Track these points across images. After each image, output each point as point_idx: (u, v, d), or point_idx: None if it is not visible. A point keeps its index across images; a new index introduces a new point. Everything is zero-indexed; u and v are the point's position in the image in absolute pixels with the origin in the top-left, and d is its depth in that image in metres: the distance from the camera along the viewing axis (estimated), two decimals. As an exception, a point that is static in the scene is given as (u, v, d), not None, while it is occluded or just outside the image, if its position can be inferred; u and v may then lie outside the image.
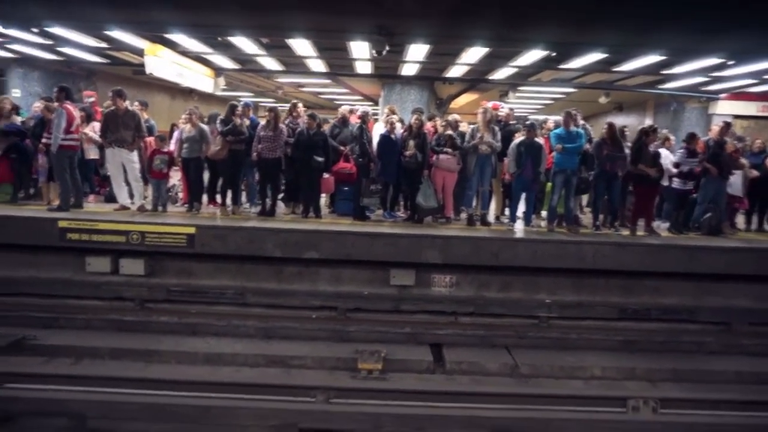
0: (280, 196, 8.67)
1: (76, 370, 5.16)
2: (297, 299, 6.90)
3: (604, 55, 10.27)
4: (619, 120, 11.58)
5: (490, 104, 8.72)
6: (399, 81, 14.28)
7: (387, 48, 7.09)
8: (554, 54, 10.20)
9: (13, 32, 10.50)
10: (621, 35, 8.09)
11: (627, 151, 7.79)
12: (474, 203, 8.14)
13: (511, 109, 9.41)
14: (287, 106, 8.81)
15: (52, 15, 8.28)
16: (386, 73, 13.77)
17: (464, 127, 8.46)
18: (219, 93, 15.36)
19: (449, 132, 7.86)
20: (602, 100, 16.78)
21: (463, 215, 8.27)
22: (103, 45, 11.51)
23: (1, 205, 7.73)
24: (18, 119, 8.20)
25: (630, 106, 19.35)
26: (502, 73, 13.10)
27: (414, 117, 7.88)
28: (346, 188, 8.27)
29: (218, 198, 8.18)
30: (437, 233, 7.21)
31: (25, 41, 11.76)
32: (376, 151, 7.90)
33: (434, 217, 8.06)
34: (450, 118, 8.64)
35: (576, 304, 6.95)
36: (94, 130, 8.19)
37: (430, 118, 9.24)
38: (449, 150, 7.73)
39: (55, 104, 7.45)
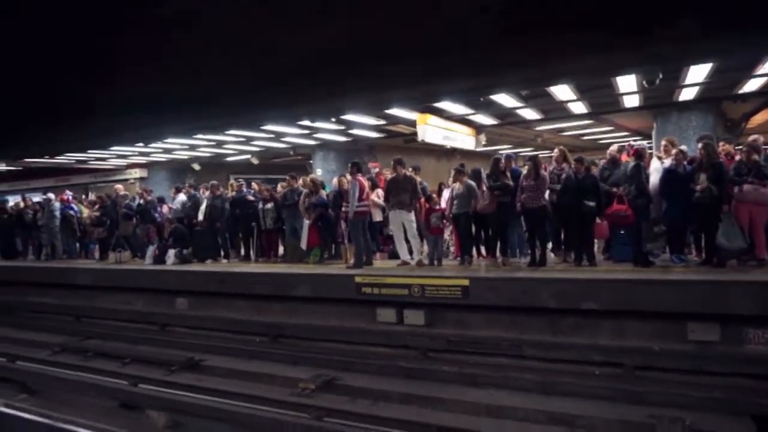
0: (549, 245, 8.44)
1: (374, 411, 5.73)
2: (575, 353, 6.46)
3: None
4: None
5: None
6: (675, 108, 12.76)
7: (660, 76, 6.44)
8: None
9: (319, 124, 12.98)
10: None
11: None
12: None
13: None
14: (549, 153, 8.69)
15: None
16: (659, 102, 12.47)
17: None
18: (480, 149, 16.09)
19: (755, 157, 6.61)
20: None
21: (784, 255, 6.73)
22: (382, 122, 13.32)
23: (313, 266, 9.36)
24: (324, 193, 9.92)
25: None
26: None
27: (701, 145, 6.89)
28: (623, 232, 7.60)
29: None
30: (749, 278, 5.99)
31: (326, 129, 14.42)
32: (659, 189, 7.10)
33: (740, 260, 6.75)
34: (750, 140, 7.29)
35: None
36: (378, 195, 9.36)
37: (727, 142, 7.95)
38: (754, 180, 6.48)
39: (349, 177, 8.84)
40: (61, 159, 17.75)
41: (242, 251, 11.04)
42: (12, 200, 15.50)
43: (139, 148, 16.60)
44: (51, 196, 13.12)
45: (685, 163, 7.14)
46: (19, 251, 14.19)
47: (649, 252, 7.17)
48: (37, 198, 14.22)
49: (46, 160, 17.07)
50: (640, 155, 7.36)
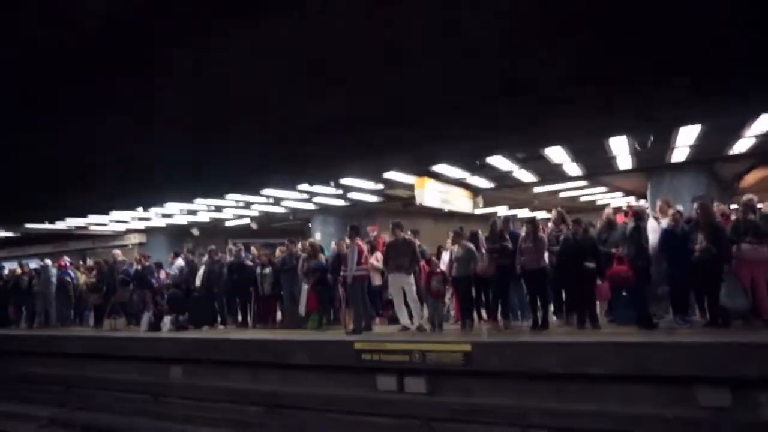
0: (551, 307, 8.32)
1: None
2: (583, 420, 6.22)
3: None
4: None
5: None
6: (668, 169, 12.99)
7: (651, 139, 6.60)
8: None
9: (318, 189, 13.16)
10: None
11: None
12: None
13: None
14: (547, 214, 8.77)
15: None
16: (652, 165, 12.70)
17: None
18: (477, 211, 16.21)
19: (751, 216, 6.65)
20: None
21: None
22: (380, 186, 13.51)
23: (312, 332, 9.17)
24: (322, 257, 9.87)
25: None
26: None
27: (697, 205, 6.95)
28: (624, 293, 7.52)
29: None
30: (756, 339, 5.86)
31: (325, 194, 14.59)
32: (658, 249, 7.09)
33: (746, 320, 6.64)
34: (745, 199, 7.36)
35: None
36: (377, 259, 9.30)
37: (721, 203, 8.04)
38: (752, 239, 6.49)
39: (348, 241, 8.84)
40: (60, 225, 17.81)
41: (239, 317, 10.85)
42: (8, 267, 15.41)
43: (139, 213, 16.70)
44: (48, 262, 13.05)
45: (684, 223, 7.17)
46: (11, 319, 13.93)
47: (653, 314, 7.08)
48: (33, 264, 14.13)
49: (45, 226, 17.12)
50: (639, 216, 7.37)
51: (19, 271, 13.79)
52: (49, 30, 3.04)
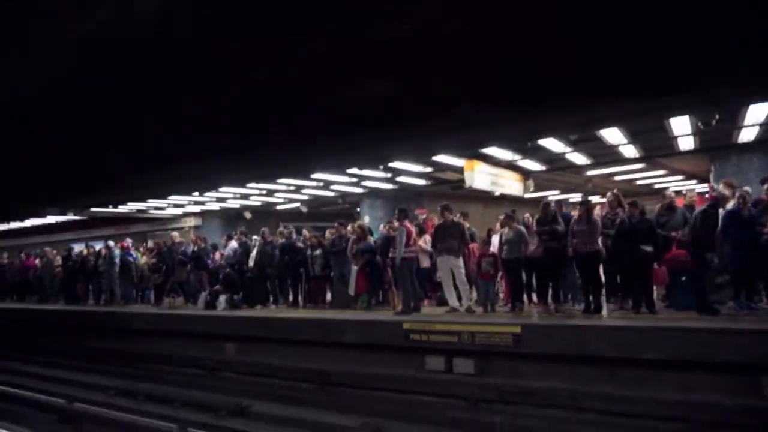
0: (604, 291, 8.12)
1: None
2: (638, 406, 6.05)
3: None
4: None
5: None
6: (734, 150, 12.28)
7: (717, 117, 6.21)
8: None
9: (366, 172, 13.24)
10: None
11: None
12: None
13: None
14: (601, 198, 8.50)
15: None
16: (716, 145, 12.02)
17: None
18: (528, 195, 15.88)
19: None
20: None
21: None
22: (429, 169, 13.44)
23: (361, 312, 9.31)
24: (371, 239, 9.96)
25: None
26: None
27: (766, 187, 6.57)
28: (684, 278, 7.23)
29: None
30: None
31: (373, 177, 14.67)
32: (721, 231, 6.76)
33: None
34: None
35: None
36: (425, 241, 9.31)
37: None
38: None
39: (396, 224, 8.89)
40: (122, 209, 18.72)
41: (291, 297, 11.13)
42: (77, 248, 16.37)
43: (194, 197, 17.32)
44: (111, 243, 13.78)
45: (750, 205, 6.80)
46: (79, 296, 14.84)
47: (714, 301, 6.78)
48: (99, 245, 14.96)
49: (109, 209, 18.04)
50: (715, 204, 6.98)
51: (85, 251, 14.66)
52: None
